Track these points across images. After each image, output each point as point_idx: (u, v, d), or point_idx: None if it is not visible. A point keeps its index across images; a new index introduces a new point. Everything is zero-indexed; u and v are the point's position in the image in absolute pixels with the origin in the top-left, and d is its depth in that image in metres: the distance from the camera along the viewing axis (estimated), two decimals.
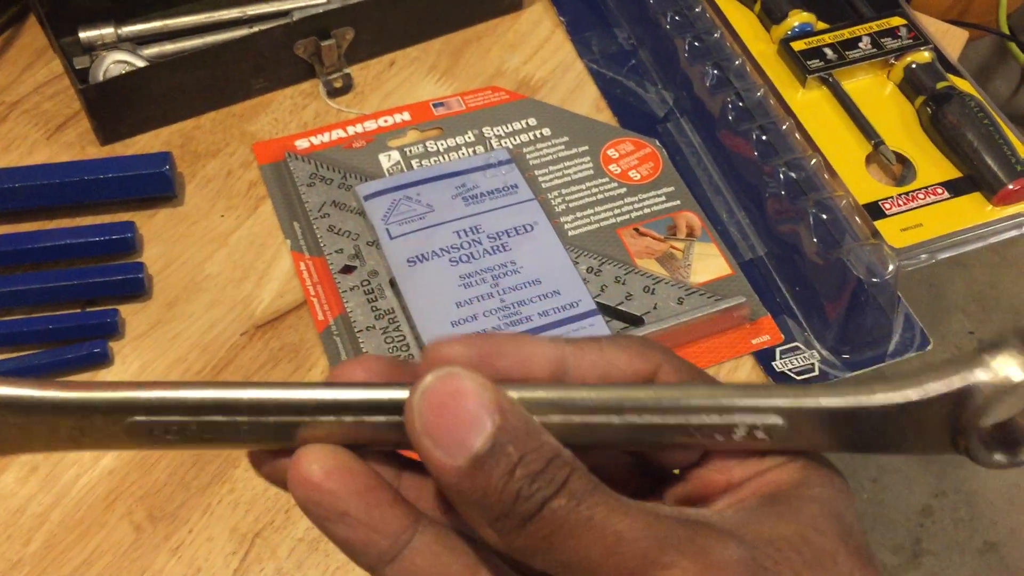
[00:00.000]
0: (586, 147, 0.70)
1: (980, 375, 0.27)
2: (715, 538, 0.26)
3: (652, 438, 0.29)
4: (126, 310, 0.62)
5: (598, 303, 0.62)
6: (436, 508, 0.30)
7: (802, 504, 0.28)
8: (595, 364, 0.30)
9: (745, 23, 0.76)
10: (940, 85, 0.70)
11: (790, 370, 0.61)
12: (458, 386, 0.26)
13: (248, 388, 0.28)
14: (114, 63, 0.69)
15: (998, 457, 0.29)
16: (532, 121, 0.72)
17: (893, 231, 0.64)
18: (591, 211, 0.67)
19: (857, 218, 0.63)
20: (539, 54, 0.78)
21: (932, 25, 0.78)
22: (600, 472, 0.27)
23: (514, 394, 0.28)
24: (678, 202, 0.68)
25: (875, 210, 0.65)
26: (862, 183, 0.66)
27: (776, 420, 0.29)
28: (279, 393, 0.28)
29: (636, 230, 0.66)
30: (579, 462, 0.26)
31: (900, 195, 0.66)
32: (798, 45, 0.73)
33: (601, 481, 0.27)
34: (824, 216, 0.62)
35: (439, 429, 0.25)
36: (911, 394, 0.28)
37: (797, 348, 0.62)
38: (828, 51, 0.72)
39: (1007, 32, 1.63)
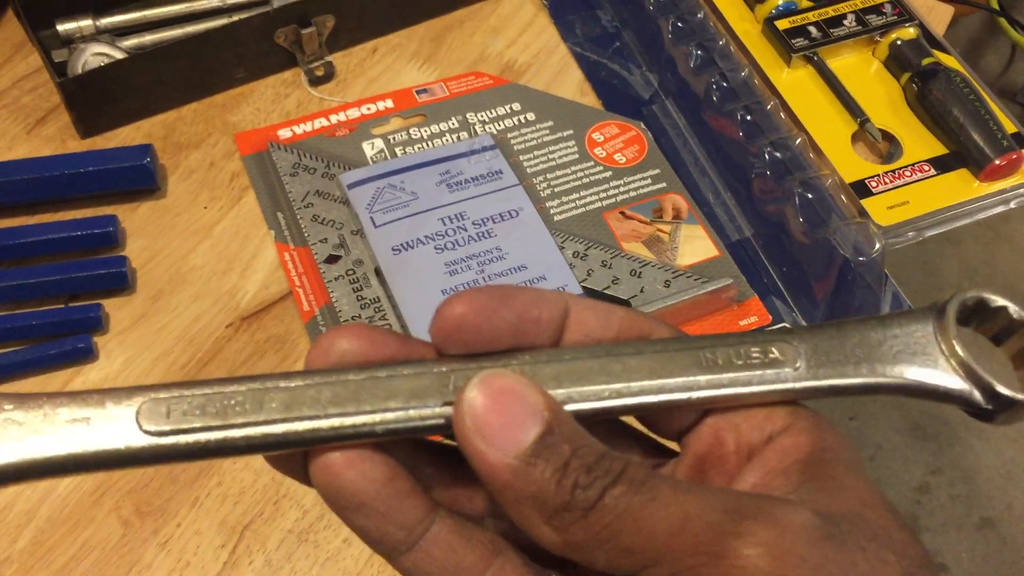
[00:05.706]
0: (571, 131, 0.70)
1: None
2: (784, 506, 0.26)
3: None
4: (110, 304, 0.62)
5: (585, 288, 0.61)
6: (453, 495, 0.30)
7: (843, 477, 0.28)
8: (595, 309, 0.30)
9: (729, 2, 0.75)
10: (925, 61, 0.70)
11: None
12: (506, 385, 0.26)
13: (281, 423, 0.27)
14: (93, 55, 0.68)
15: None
16: (516, 106, 0.71)
17: (880, 209, 0.63)
18: (576, 195, 0.66)
19: (843, 197, 0.63)
20: (522, 38, 0.77)
21: (917, 1, 0.77)
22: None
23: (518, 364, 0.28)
24: (664, 184, 0.67)
25: (861, 188, 0.64)
26: (848, 161, 0.66)
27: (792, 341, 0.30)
28: (325, 423, 0.27)
29: (622, 213, 0.66)
30: (632, 457, 0.27)
31: (886, 173, 0.65)
32: (782, 24, 0.72)
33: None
34: (810, 195, 0.62)
35: (491, 427, 0.26)
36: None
37: (785, 329, 0.62)
38: (813, 29, 0.72)
39: (997, 8, 1.63)
